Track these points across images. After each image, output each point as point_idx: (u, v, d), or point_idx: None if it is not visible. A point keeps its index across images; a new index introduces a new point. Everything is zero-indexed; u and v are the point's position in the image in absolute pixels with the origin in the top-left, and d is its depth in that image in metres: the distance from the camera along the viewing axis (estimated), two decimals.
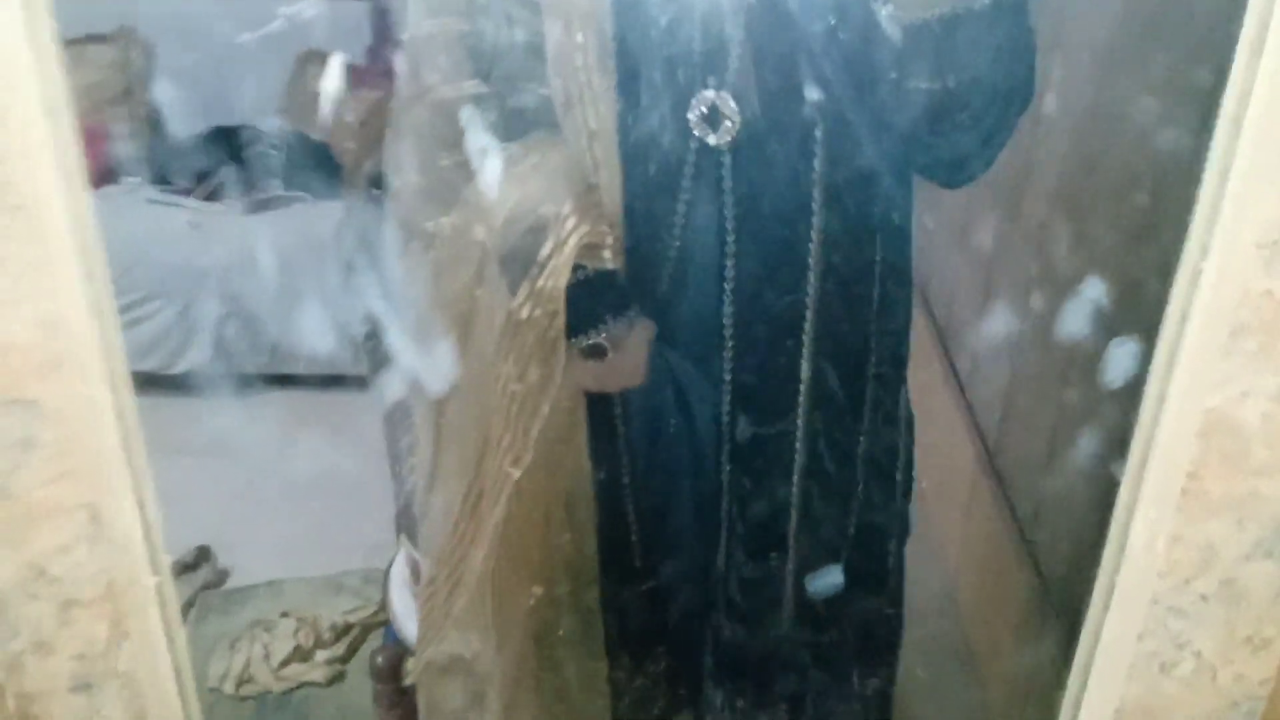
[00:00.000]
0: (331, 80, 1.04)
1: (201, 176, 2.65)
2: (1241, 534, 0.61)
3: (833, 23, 0.93)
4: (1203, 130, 0.55)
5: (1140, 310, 1.08)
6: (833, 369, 1.07)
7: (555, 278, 0.99)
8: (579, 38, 0.94)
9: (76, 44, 2.60)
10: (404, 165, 1.07)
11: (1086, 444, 1.46)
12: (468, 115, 1.01)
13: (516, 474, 1.05)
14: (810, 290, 1.03)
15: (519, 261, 1.00)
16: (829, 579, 1.11)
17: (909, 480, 1.18)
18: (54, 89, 0.55)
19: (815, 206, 1.00)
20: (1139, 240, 1.22)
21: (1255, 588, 0.63)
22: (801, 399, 1.07)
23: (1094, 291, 1.14)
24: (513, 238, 1.00)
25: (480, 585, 1.11)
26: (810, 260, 1.02)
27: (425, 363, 1.27)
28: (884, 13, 0.89)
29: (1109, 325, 1.31)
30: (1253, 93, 0.52)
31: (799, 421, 1.07)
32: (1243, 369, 0.57)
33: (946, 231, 2.24)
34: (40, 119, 0.54)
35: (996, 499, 1.88)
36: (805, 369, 1.06)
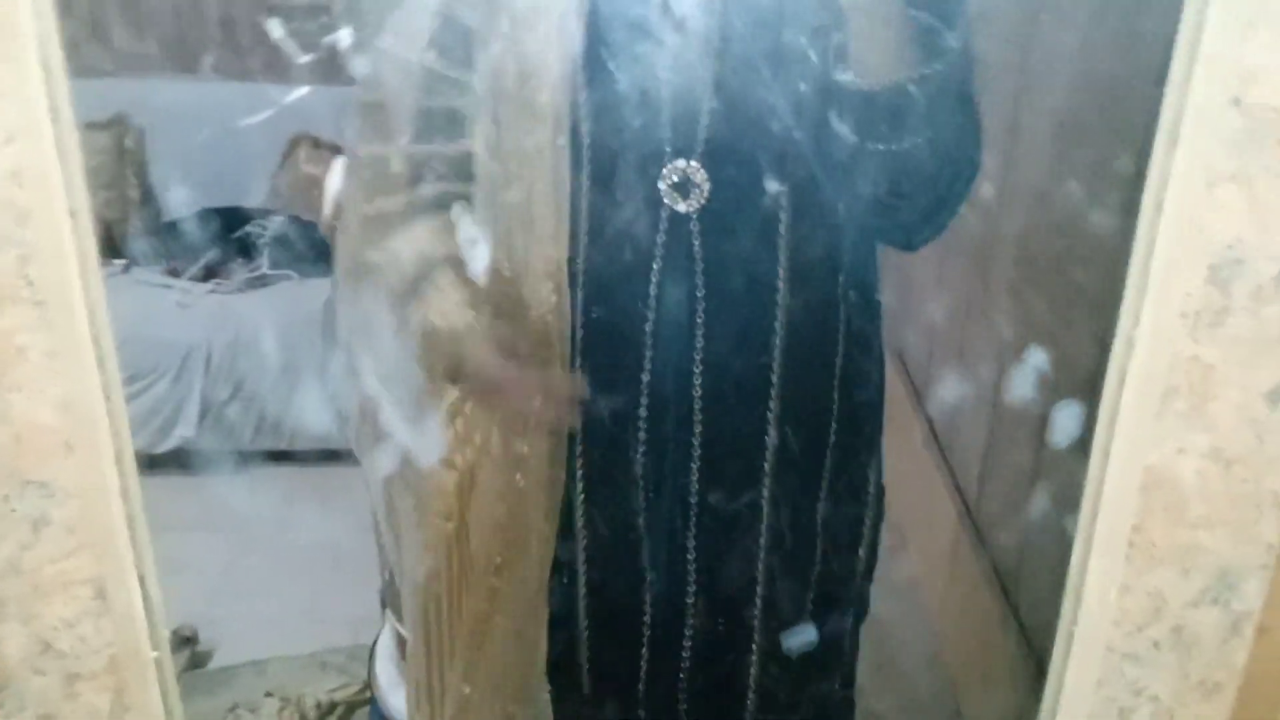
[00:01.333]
0: (335, 179, 1.10)
1: (191, 257, 2.70)
2: (1187, 582, 0.65)
3: (797, 92, 0.98)
4: (1130, 212, 0.60)
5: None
6: (797, 440, 1.08)
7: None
8: (544, 98, 0.97)
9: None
10: (345, 213, 1.11)
11: (1057, 499, 1.51)
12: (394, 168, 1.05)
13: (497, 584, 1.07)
14: (776, 358, 1.05)
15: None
16: (803, 635, 1.12)
17: (871, 558, 1.17)
18: (78, 193, 0.59)
19: (781, 273, 1.03)
20: (1081, 310, 1.28)
21: (1204, 634, 0.66)
22: (767, 470, 1.08)
23: (1039, 359, 1.19)
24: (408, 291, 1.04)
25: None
26: (776, 326, 1.04)
27: (399, 434, 1.29)
28: (844, 79, 0.93)
29: (1063, 389, 1.36)
30: (1169, 179, 0.57)
31: (764, 492, 1.08)
32: (1176, 428, 0.61)
33: (920, 295, 2.30)
34: (65, 220, 0.58)
35: (978, 553, 1.91)
36: (770, 438, 1.07)
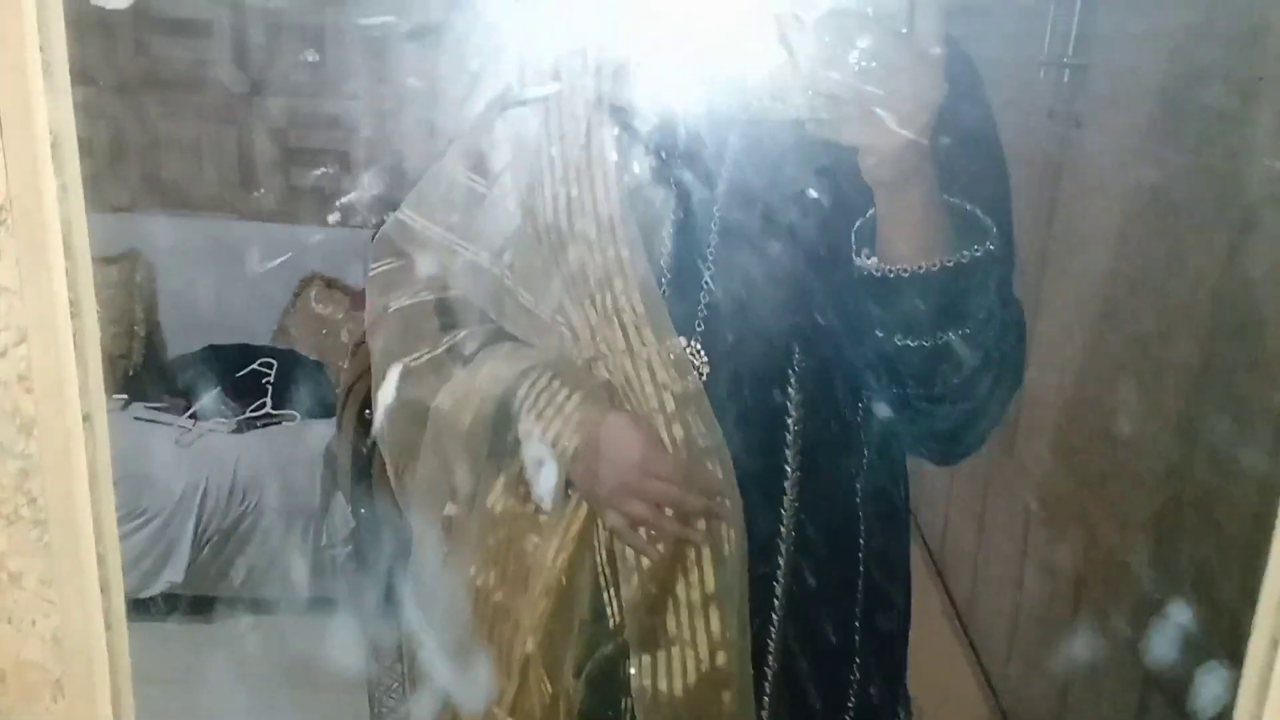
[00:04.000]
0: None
1: (192, 394, 2.63)
2: None
3: (810, 276, 0.88)
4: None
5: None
6: (808, 666, 0.95)
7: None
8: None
9: None
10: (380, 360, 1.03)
11: (1094, 684, 1.40)
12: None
13: (503, 717, 0.94)
14: (781, 568, 0.93)
15: (494, 448, 0.94)
16: None
17: None
18: (94, 396, 0.53)
19: (788, 471, 0.92)
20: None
21: None
22: (769, 693, 0.95)
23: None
24: (484, 421, 0.94)
25: None
26: (782, 532, 0.93)
27: (414, 604, 1.20)
28: (868, 264, 0.82)
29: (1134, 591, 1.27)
30: None
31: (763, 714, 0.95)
32: None
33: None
34: (78, 428, 0.52)
35: None
36: (774, 662, 0.94)
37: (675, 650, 0.92)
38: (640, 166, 0.90)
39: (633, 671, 0.93)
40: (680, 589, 0.91)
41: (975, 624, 2.09)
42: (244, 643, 2.47)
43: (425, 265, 1.03)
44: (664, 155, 0.92)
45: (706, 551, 0.91)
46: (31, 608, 0.52)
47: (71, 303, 0.53)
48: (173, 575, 2.48)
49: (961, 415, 0.88)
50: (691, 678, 0.92)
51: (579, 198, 0.91)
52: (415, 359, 1.01)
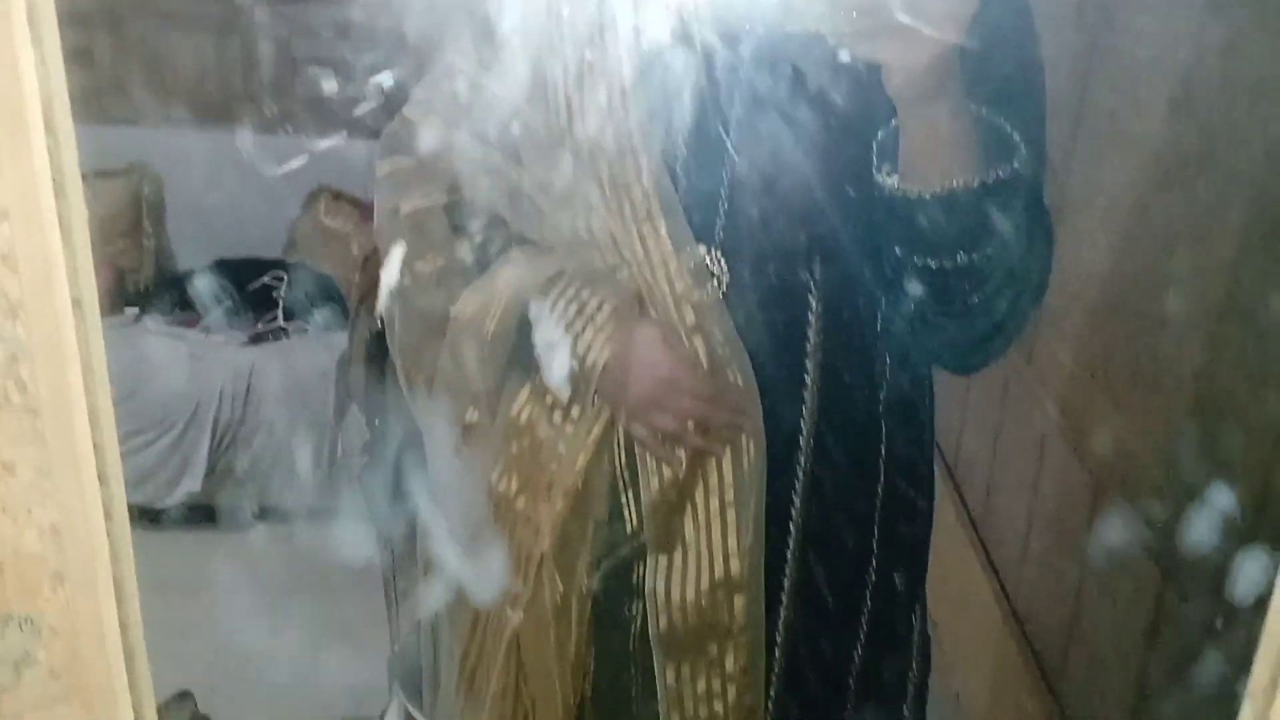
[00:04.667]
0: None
1: (204, 308, 2.63)
2: None
3: (829, 190, 0.86)
4: None
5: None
6: (825, 573, 0.95)
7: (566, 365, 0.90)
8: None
9: (88, 178, 2.61)
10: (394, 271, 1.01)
11: (1108, 587, 1.40)
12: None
13: (516, 618, 0.95)
14: (800, 477, 0.93)
15: (518, 356, 0.93)
16: None
17: (919, 715, 1.04)
18: (84, 279, 0.51)
19: (808, 382, 0.91)
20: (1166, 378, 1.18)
21: None
22: (784, 603, 0.95)
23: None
24: (507, 329, 0.93)
25: None
26: (801, 442, 0.92)
27: (427, 500, 1.19)
28: (888, 183, 0.80)
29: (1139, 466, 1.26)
30: None
31: (779, 625, 0.95)
32: None
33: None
34: (67, 312, 0.50)
35: (1020, 648, 1.80)
36: (791, 567, 0.94)
37: (690, 554, 0.92)
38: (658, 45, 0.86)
39: (647, 573, 0.93)
40: (699, 495, 0.91)
41: (990, 531, 2.09)
42: (262, 551, 2.51)
43: (435, 165, 1.00)
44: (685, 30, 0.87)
45: (726, 460, 0.90)
46: (27, 498, 0.51)
47: (55, 181, 0.50)
48: (190, 485, 2.51)
49: (982, 329, 0.87)
50: (704, 583, 0.92)
51: (592, 62, 0.87)
52: (428, 264, 0.99)
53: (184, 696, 2.15)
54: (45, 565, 0.52)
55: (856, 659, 0.98)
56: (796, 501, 0.93)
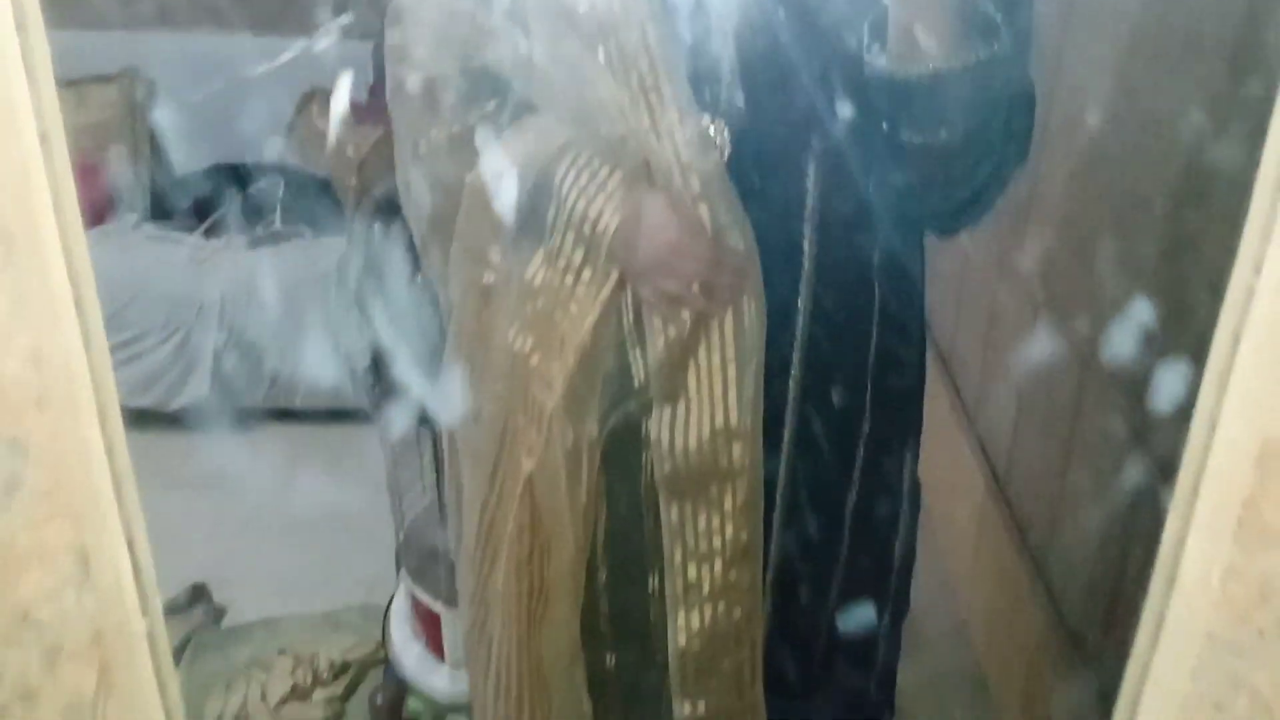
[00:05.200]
0: (340, 100, 1.04)
1: (202, 213, 2.64)
2: None
3: (825, 65, 0.90)
4: (1249, 137, 0.52)
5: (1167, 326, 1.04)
6: (819, 419, 1.02)
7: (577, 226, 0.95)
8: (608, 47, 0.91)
9: (80, 84, 2.60)
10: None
11: (1098, 468, 1.43)
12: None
13: (530, 465, 1.01)
14: (798, 334, 0.99)
15: (532, 221, 0.97)
16: (826, 608, 1.05)
17: (908, 555, 1.12)
18: (49, 113, 0.52)
19: (806, 246, 0.96)
20: (1156, 255, 1.19)
21: None
22: (784, 451, 1.02)
23: (1113, 311, 1.11)
24: (525, 193, 0.97)
25: (505, 605, 1.05)
26: (799, 302, 0.98)
27: (432, 387, 1.23)
28: (877, 63, 0.84)
29: (1123, 345, 1.28)
30: None
31: (780, 473, 1.02)
32: None
33: (948, 256, 2.21)
34: (34, 144, 0.51)
35: (1008, 527, 1.84)
36: (790, 417, 1.01)
37: (693, 406, 0.97)
38: None
39: (652, 424, 0.99)
40: (702, 352, 0.96)
41: (981, 419, 2.12)
42: (270, 451, 2.56)
43: (444, 34, 1.01)
44: None
45: (728, 319, 0.95)
46: (7, 325, 0.53)
47: (15, 10, 0.51)
48: (198, 387, 2.55)
49: (963, 197, 0.93)
50: (705, 431, 0.97)
51: None
52: (441, 131, 1.01)
53: (199, 589, 2.21)
54: (28, 390, 0.55)
55: (851, 501, 1.05)
56: (795, 357, 1.00)
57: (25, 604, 0.61)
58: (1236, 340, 0.53)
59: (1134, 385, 1.27)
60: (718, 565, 0.99)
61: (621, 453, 1.03)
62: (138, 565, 0.62)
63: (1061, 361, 1.59)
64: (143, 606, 0.65)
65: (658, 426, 0.98)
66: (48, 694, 0.63)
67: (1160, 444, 1.17)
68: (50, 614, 0.61)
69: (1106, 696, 1.11)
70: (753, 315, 0.95)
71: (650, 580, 1.05)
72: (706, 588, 0.99)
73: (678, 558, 1.00)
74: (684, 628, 1.01)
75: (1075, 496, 1.56)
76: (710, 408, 0.96)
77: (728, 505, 0.98)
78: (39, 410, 0.55)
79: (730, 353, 0.95)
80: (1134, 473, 1.28)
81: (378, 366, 2.10)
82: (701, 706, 1.03)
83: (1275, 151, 0.50)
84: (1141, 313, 1.22)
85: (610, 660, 1.11)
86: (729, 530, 0.99)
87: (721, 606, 1.00)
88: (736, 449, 0.97)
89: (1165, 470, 1.18)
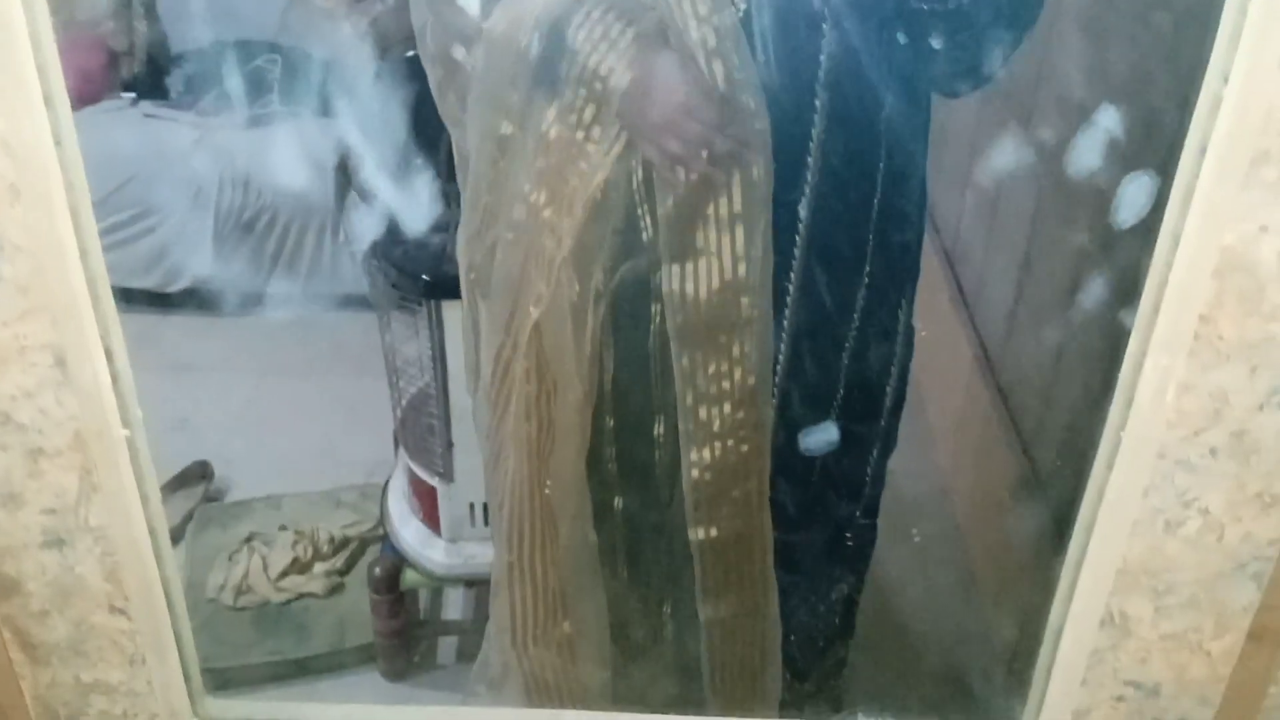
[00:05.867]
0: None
1: (199, 91, 2.60)
2: (1255, 382, 0.58)
3: None
4: None
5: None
6: (824, 269, 1.05)
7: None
8: None
9: None
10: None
11: (1083, 343, 1.44)
12: None
13: (537, 314, 1.04)
14: (809, 183, 1.01)
15: (547, 73, 0.98)
16: (823, 434, 1.10)
17: (900, 395, 1.16)
18: None
19: (818, 103, 0.98)
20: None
21: (1267, 441, 0.60)
22: (790, 292, 1.05)
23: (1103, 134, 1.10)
24: (541, 43, 0.97)
25: (515, 442, 1.10)
26: (811, 151, 1.00)
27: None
28: None
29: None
30: None
31: (786, 314, 1.06)
32: (1262, 200, 0.54)
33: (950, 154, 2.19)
34: None
35: (996, 406, 1.86)
36: (797, 263, 1.04)
37: (703, 261, 1.01)
38: None
39: (663, 278, 1.02)
40: (710, 210, 0.99)
41: (980, 310, 2.12)
42: (272, 334, 2.57)
43: None
44: None
45: (736, 180, 0.97)
46: None
47: None
48: (199, 269, 2.55)
49: (971, 59, 0.95)
50: (715, 284, 1.01)
51: None
52: None
53: (201, 465, 2.25)
54: (1, 179, 0.55)
55: (849, 345, 1.09)
56: (803, 212, 1.02)
57: (5, 404, 0.62)
58: (1203, 148, 0.53)
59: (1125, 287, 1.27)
60: (727, 407, 1.05)
61: (631, 304, 1.06)
62: (115, 370, 0.63)
63: (1059, 254, 1.59)
64: (123, 417, 0.66)
65: (668, 280, 1.01)
66: (31, 496, 0.65)
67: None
68: (30, 415, 0.63)
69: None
70: (761, 174, 0.97)
71: (655, 426, 1.11)
72: (716, 426, 1.05)
73: (689, 400, 1.05)
74: (696, 463, 1.07)
75: (1065, 384, 1.58)
76: (719, 263, 1.00)
77: (736, 352, 1.03)
78: (12, 201, 0.56)
79: (738, 210, 0.98)
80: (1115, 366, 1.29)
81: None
82: (714, 531, 1.10)
83: None
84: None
85: (617, 502, 1.17)
86: (737, 375, 1.04)
87: (730, 443, 1.06)
88: (745, 301, 1.01)
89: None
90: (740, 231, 0.99)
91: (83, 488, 0.66)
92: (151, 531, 0.68)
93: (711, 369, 1.04)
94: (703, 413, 1.05)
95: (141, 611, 0.69)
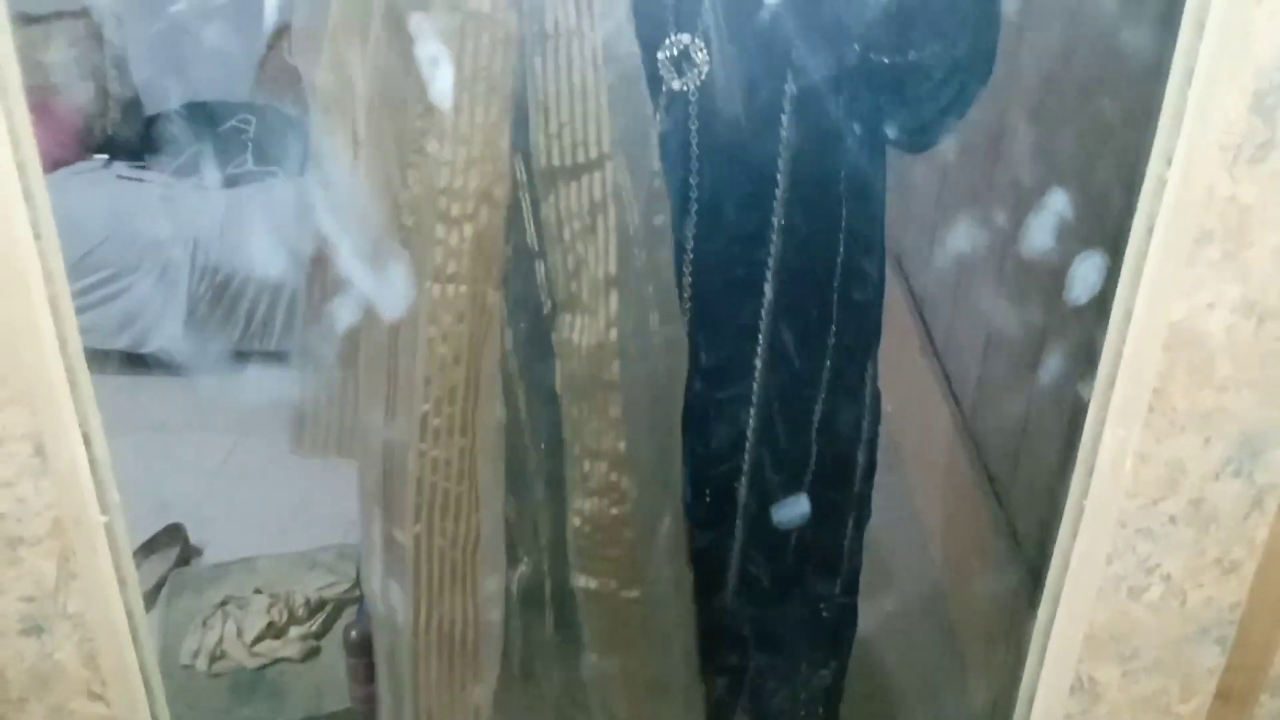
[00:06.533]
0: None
1: (173, 152, 2.61)
2: (1209, 452, 0.60)
3: None
4: (1164, 33, 0.54)
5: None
6: (791, 335, 1.06)
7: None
8: None
9: (46, 20, 2.56)
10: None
11: (1057, 409, 1.46)
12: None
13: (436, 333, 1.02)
14: (772, 251, 1.02)
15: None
16: (795, 509, 1.10)
17: (871, 462, 1.16)
18: None
19: (780, 165, 0.99)
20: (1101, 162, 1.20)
21: (1224, 508, 0.62)
22: (758, 363, 1.06)
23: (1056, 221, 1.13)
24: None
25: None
26: (773, 220, 1.01)
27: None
28: None
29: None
30: None
31: (754, 386, 1.06)
32: (1206, 278, 0.56)
33: (919, 201, 2.23)
34: None
35: (972, 462, 1.88)
36: (763, 332, 1.05)
37: (583, 317, 1.01)
38: None
39: (555, 324, 1.02)
40: (587, 267, 0.99)
41: (950, 362, 2.15)
42: (247, 392, 2.56)
43: None
44: None
45: (612, 240, 0.97)
46: None
47: None
48: (172, 328, 2.55)
49: (930, 114, 0.97)
50: (591, 342, 1.01)
51: None
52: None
53: (175, 529, 2.22)
54: None
55: (818, 410, 1.10)
56: (769, 274, 1.03)
57: None
58: (1149, 230, 0.56)
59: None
60: (603, 465, 1.05)
61: (544, 345, 1.06)
62: (94, 457, 0.64)
63: (1026, 300, 1.62)
64: (101, 503, 0.66)
65: (560, 326, 1.02)
66: (9, 584, 0.65)
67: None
68: (8, 504, 0.63)
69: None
70: (640, 240, 0.98)
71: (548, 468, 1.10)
72: (594, 482, 1.06)
73: (575, 449, 1.06)
74: (578, 512, 1.08)
75: (1037, 438, 1.60)
76: (597, 322, 1.00)
77: (612, 414, 1.03)
78: None
79: (613, 272, 0.98)
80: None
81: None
82: (593, 583, 1.10)
83: (1184, 50, 0.52)
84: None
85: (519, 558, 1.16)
86: (609, 437, 1.04)
87: (604, 503, 1.06)
88: (615, 365, 1.01)
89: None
90: (614, 294, 0.99)
91: (61, 575, 0.66)
92: (129, 615, 0.68)
93: (592, 424, 1.04)
94: (586, 465, 1.06)
95: (120, 697, 0.68)
